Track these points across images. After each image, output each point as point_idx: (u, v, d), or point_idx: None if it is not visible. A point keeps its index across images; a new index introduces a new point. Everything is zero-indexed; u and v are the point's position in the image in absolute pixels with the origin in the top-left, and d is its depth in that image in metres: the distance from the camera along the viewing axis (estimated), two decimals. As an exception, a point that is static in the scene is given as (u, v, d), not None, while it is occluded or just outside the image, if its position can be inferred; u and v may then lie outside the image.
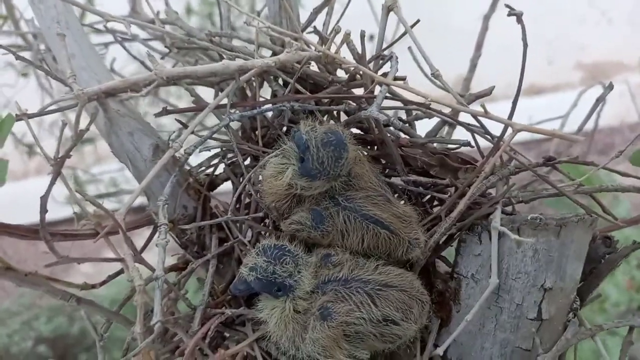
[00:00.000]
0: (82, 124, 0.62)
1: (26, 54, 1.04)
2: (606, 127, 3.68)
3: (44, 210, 0.57)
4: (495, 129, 0.65)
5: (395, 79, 0.66)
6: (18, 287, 0.59)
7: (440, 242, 0.65)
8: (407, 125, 0.72)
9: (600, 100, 0.89)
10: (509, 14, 0.63)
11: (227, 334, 0.65)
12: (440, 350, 0.61)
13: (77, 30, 0.76)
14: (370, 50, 0.72)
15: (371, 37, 0.77)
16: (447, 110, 0.67)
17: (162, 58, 0.81)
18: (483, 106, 0.58)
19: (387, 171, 0.71)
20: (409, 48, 0.71)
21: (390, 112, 0.69)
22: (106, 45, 0.99)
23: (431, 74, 0.66)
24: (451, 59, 1.08)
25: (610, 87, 0.90)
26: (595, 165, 0.64)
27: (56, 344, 2.53)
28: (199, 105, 0.69)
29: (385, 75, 0.65)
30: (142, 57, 0.83)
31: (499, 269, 0.59)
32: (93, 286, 0.62)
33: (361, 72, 0.65)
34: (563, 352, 0.60)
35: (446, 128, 0.77)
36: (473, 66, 1.00)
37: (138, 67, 0.91)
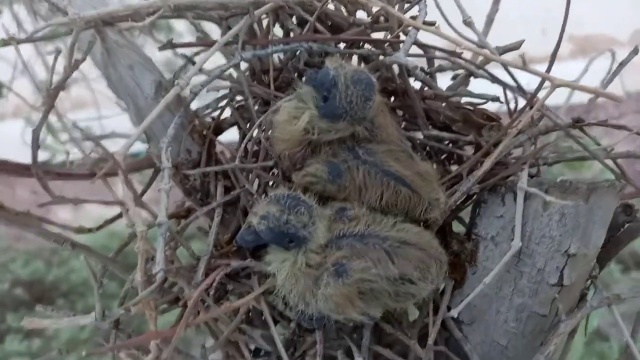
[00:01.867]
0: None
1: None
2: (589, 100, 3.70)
3: (35, 144, 0.52)
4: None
5: (425, 23, 0.60)
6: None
7: (464, 201, 0.62)
8: (428, 76, 0.67)
9: (625, 63, 0.85)
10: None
11: (230, 287, 0.62)
12: (454, 312, 0.59)
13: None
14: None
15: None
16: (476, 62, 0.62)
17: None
18: (522, 56, 0.54)
19: (405, 124, 0.67)
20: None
21: (414, 61, 0.65)
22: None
23: (463, 21, 0.60)
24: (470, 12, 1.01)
25: (635, 51, 0.86)
26: (629, 130, 0.60)
27: (33, 287, 2.52)
28: (207, 41, 0.63)
29: (414, 18, 0.60)
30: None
31: (523, 232, 0.57)
32: (90, 230, 0.57)
33: (386, 14, 0.60)
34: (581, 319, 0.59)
35: (470, 82, 0.73)
36: (490, 21, 0.94)
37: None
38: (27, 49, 1.56)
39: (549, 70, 0.55)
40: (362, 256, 0.54)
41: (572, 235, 0.56)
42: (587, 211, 0.56)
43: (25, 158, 0.56)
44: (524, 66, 0.53)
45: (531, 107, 0.54)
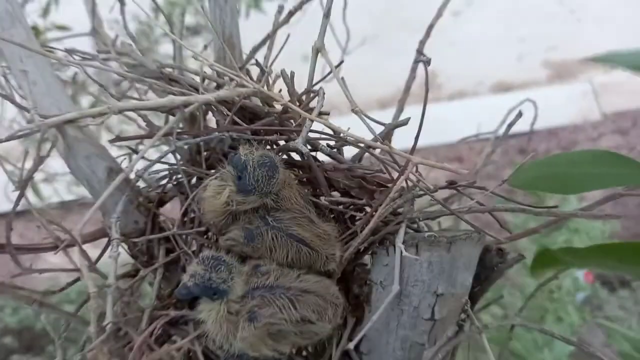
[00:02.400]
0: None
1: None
2: (570, 125, 3.84)
3: (9, 228, 0.67)
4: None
5: (321, 113, 0.76)
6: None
7: (359, 253, 0.77)
8: (335, 150, 0.82)
9: (514, 114, 1.01)
10: (416, 61, 0.74)
11: (172, 332, 0.76)
12: (351, 345, 0.72)
13: (39, 56, 0.84)
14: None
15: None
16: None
17: (117, 85, 0.90)
18: (388, 144, 0.69)
19: (316, 190, 0.82)
20: (343, 79, 0.82)
21: (322, 141, 0.81)
22: (64, 64, 1.06)
23: (351, 110, 0.76)
24: (428, 53, 1.15)
25: (521, 109, 1.02)
26: (485, 190, 0.75)
27: (22, 335, 2.56)
28: (149, 133, 0.78)
29: (311, 110, 0.76)
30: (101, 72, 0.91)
31: (401, 278, 0.71)
32: (53, 292, 0.71)
33: (290, 108, 0.75)
34: (453, 346, 0.73)
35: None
36: (407, 88, 1.10)
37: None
38: None
39: (412, 150, 0.71)
40: (270, 304, 0.68)
41: (438, 279, 0.70)
42: (450, 259, 0.70)
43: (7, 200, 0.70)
44: (391, 150, 0.69)
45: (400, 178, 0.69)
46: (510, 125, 1.05)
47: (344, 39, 1.36)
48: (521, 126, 1.28)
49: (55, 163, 0.82)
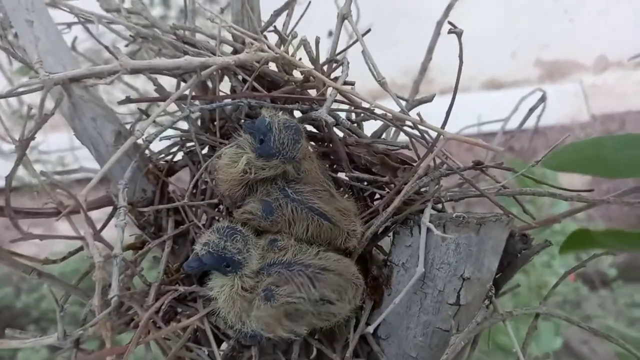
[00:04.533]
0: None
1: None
2: (558, 125, 3.85)
3: (8, 189, 0.61)
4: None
5: (345, 83, 0.72)
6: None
7: (378, 233, 0.73)
8: (355, 125, 0.78)
9: (533, 109, 0.98)
10: (450, 32, 0.70)
11: (179, 309, 0.71)
12: (370, 328, 0.68)
13: (43, 12, 0.78)
14: (329, 50, 0.78)
15: (330, 34, 0.82)
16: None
17: (126, 46, 0.85)
18: (419, 114, 0.65)
19: (334, 166, 0.77)
20: (362, 52, 0.77)
21: (342, 113, 0.76)
22: (69, 25, 1.00)
23: (377, 81, 0.72)
24: (423, 46, 1.13)
25: (543, 99, 0.99)
26: (515, 172, 0.72)
27: (2, 314, 2.50)
28: (162, 96, 0.73)
29: (335, 79, 0.71)
30: (103, 37, 0.86)
31: (426, 260, 0.67)
32: (54, 261, 0.66)
33: (314, 75, 0.71)
34: (476, 333, 0.69)
35: (393, 128, 0.84)
36: (423, 69, 1.07)
37: (95, 44, 0.92)
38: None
39: (444, 124, 0.67)
40: (288, 282, 0.64)
41: (466, 262, 0.67)
42: (478, 241, 0.67)
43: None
44: (421, 122, 0.65)
45: (429, 154, 0.66)
46: (526, 118, 1.03)
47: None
48: (511, 124, 1.26)
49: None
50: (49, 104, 0.68)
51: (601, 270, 2.93)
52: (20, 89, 0.66)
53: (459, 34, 0.70)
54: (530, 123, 1.19)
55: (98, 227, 0.69)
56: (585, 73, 4.08)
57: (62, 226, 0.72)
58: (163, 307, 0.67)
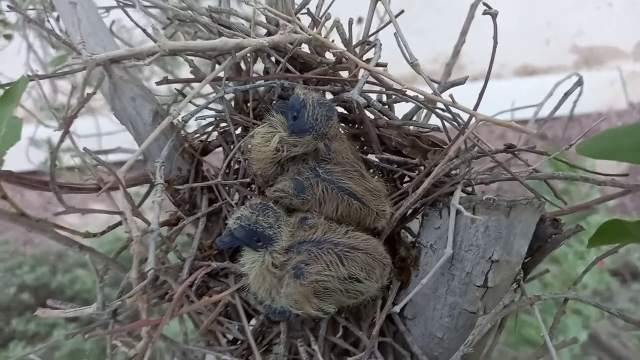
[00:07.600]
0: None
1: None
2: (594, 113, 3.74)
3: (53, 164, 0.64)
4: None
5: (378, 65, 0.72)
6: None
7: (406, 215, 0.73)
8: (386, 107, 0.78)
9: (568, 94, 0.96)
10: (484, 13, 0.69)
11: (211, 285, 0.74)
12: (397, 308, 0.69)
13: (84, -3, 0.81)
14: (360, 34, 0.78)
15: (359, 20, 0.83)
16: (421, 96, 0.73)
17: (163, 28, 0.87)
18: (451, 96, 0.65)
19: (364, 148, 0.78)
20: (395, 34, 0.77)
21: (373, 95, 0.77)
22: (107, 9, 1.03)
23: (409, 63, 0.72)
24: (453, 34, 1.12)
25: (579, 83, 0.97)
26: (548, 155, 0.71)
27: (39, 292, 2.60)
28: (197, 77, 0.75)
29: (368, 61, 0.72)
30: (142, 22, 0.88)
31: (454, 241, 0.67)
32: (95, 234, 0.69)
33: (347, 57, 0.71)
34: (503, 316, 0.69)
35: (424, 111, 0.84)
36: (456, 52, 1.06)
37: (133, 28, 0.94)
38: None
39: (476, 106, 0.67)
40: (317, 260, 0.65)
41: (495, 245, 0.67)
42: (508, 224, 0.67)
43: (27, 159, 0.67)
44: (454, 104, 0.65)
45: (460, 136, 0.66)
46: (561, 102, 1.00)
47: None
48: (543, 111, 1.23)
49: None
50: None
51: (631, 263, 2.86)
52: (65, 69, 0.69)
53: (493, 15, 0.69)
54: (565, 110, 1.17)
55: (136, 203, 0.72)
56: (625, 59, 3.94)
57: (98, 205, 0.75)
58: (196, 281, 0.69)
